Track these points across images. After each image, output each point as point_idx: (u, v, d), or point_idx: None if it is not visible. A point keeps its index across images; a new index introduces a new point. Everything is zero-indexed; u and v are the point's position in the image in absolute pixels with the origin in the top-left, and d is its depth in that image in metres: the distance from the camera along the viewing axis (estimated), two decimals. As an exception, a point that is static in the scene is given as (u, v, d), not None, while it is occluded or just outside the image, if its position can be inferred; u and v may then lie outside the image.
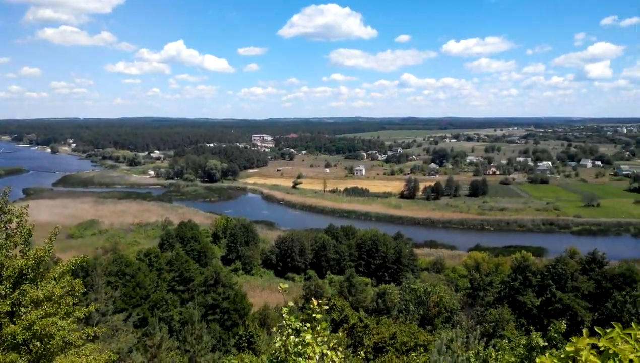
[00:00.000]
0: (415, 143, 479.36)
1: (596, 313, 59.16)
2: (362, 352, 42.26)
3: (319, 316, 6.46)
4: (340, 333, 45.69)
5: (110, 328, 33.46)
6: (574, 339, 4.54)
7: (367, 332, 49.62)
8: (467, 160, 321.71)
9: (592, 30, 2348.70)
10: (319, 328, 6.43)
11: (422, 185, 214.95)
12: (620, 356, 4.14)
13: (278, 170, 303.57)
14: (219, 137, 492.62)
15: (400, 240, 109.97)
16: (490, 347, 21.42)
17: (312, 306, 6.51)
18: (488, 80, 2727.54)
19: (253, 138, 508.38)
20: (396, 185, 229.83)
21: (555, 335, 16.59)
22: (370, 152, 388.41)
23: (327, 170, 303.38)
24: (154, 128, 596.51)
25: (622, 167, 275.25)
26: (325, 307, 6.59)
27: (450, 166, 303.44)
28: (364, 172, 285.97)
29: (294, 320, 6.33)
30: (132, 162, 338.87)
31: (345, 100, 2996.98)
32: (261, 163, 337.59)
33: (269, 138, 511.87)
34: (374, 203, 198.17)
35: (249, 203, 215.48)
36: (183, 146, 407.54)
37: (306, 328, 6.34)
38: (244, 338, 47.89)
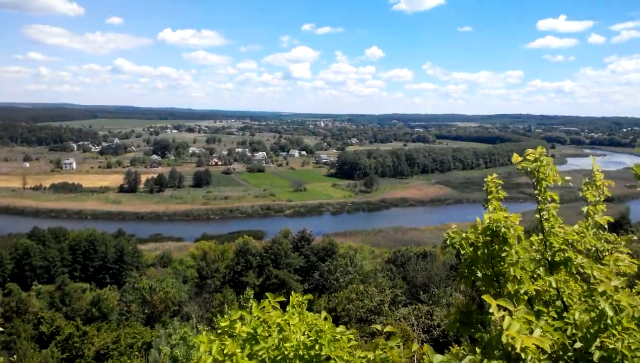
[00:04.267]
0: (134, 133, 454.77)
1: (307, 284, 67.83)
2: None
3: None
4: (52, 348, 39.89)
5: None
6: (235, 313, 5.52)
7: (87, 340, 44.80)
8: (190, 151, 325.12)
9: (295, 35, 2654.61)
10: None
11: (143, 178, 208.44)
12: (269, 321, 5.34)
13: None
14: None
15: (122, 237, 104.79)
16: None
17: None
18: (206, 72, 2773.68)
19: None
20: (114, 179, 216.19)
21: (245, 303, 18.21)
22: (81, 143, 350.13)
23: (27, 165, 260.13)
24: None
25: (321, 155, 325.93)
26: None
27: (173, 157, 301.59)
28: (74, 166, 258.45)
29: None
30: None
31: (48, 84, 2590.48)
32: None
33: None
34: (89, 200, 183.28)
35: None
36: None
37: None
38: None
